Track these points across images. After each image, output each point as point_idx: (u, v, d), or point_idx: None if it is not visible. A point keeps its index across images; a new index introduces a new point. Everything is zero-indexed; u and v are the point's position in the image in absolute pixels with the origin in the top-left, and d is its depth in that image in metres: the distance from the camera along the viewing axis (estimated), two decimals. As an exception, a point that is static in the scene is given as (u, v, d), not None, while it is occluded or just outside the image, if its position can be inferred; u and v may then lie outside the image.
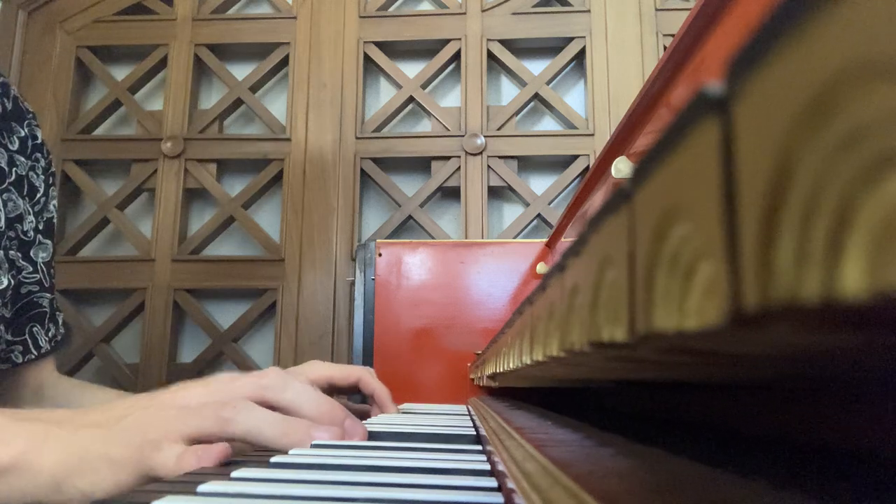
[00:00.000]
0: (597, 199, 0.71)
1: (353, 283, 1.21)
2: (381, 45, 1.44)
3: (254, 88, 1.45)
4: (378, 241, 1.09)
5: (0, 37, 1.44)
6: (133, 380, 1.32)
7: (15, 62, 1.44)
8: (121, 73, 1.48)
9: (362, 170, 1.38)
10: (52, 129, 1.42)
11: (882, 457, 0.14)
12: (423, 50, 1.44)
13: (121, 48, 1.49)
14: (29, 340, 0.72)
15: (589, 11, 1.40)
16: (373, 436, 0.44)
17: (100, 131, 1.48)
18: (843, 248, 0.06)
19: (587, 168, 1.34)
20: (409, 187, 1.39)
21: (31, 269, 0.72)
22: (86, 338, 1.34)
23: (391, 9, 1.48)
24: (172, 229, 1.37)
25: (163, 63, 1.46)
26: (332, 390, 0.62)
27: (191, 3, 1.47)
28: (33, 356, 0.72)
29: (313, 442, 0.40)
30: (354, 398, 0.79)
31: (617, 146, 0.60)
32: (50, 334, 0.74)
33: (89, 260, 1.39)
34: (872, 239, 0.06)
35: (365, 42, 1.43)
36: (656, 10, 1.38)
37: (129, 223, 1.40)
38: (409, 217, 1.36)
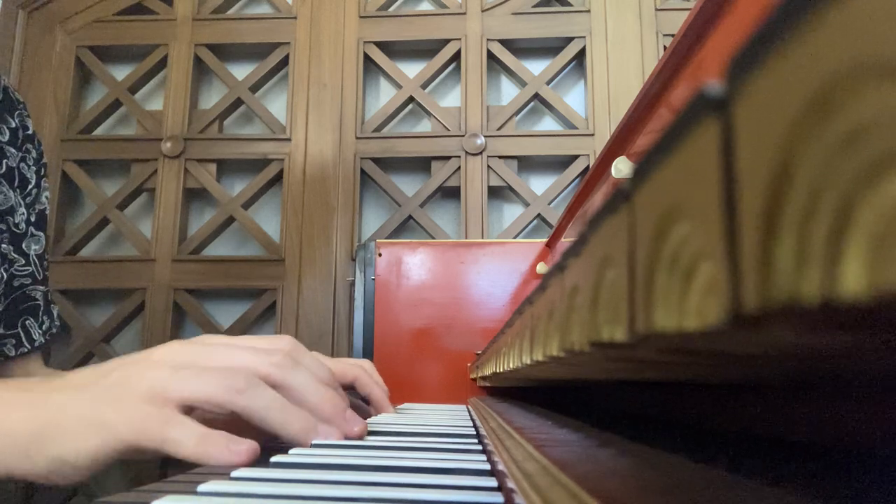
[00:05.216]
0: (597, 199, 0.71)
1: (353, 283, 1.21)
2: (381, 45, 1.44)
3: (254, 88, 1.45)
4: (378, 241, 1.09)
5: (0, 37, 1.44)
6: (133, 380, 1.31)
7: (15, 62, 1.44)
8: (121, 73, 1.48)
9: (362, 170, 1.38)
10: (52, 129, 1.42)
11: (882, 457, 0.14)
12: (423, 50, 1.44)
13: (121, 48, 1.49)
14: (22, 333, 0.71)
15: (589, 11, 1.40)
16: (373, 435, 0.44)
17: (100, 131, 1.48)
18: (843, 248, 0.06)
19: (587, 168, 1.34)
20: (409, 187, 1.39)
21: (23, 261, 0.71)
22: (86, 338, 1.34)
23: (391, 9, 1.48)
24: (172, 229, 1.37)
25: (163, 63, 1.46)
26: None
27: (191, 3, 1.47)
28: (26, 349, 0.71)
29: (314, 441, 0.39)
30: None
31: (617, 146, 0.60)
32: (44, 327, 0.73)
33: (89, 260, 1.39)
34: (872, 239, 0.06)
35: (365, 42, 1.43)
36: (656, 9, 1.38)
37: (129, 223, 1.40)
38: (409, 217, 1.36)
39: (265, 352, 0.41)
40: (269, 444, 0.41)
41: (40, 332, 0.73)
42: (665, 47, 1.36)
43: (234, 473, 0.29)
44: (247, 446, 0.34)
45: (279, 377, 0.40)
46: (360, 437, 0.42)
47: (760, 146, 0.08)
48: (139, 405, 0.35)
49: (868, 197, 0.06)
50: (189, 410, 0.37)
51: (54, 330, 0.75)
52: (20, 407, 0.35)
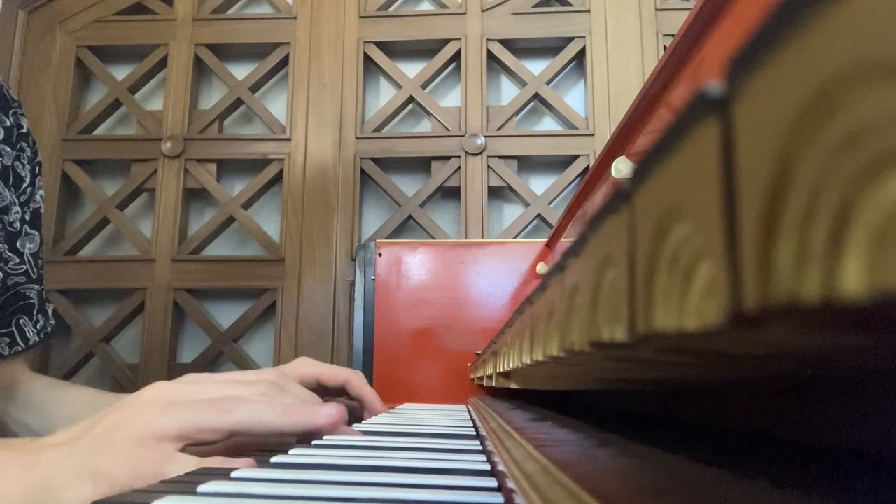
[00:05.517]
0: (597, 199, 0.71)
1: (353, 283, 1.21)
2: (381, 45, 1.44)
3: (254, 88, 1.45)
4: (378, 241, 1.09)
5: (0, 37, 1.44)
6: (133, 380, 1.32)
7: (15, 62, 1.44)
8: (121, 73, 1.48)
9: (362, 170, 1.38)
10: (52, 129, 1.42)
11: (882, 457, 0.14)
12: (423, 50, 1.44)
13: (121, 48, 1.49)
14: (16, 332, 0.70)
15: (589, 11, 1.40)
16: (373, 435, 0.44)
17: (100, 131, 1.48)
18: (843, 248, 0.06)
19: (587, 168, 1.34)
20: (409, 187, 1.39)
21: (17, 260, 0.70)
22: (86, 338, 1.34)
23: (391, 9, 1.48)
24: (172, 229, 1.37)
25: (163, 63, 1.46)
26: (320, 390, 0.62)
27: (191, 3, 1.47)
28: (21, 348, 0.70)
29: (318, 423, 0.39)
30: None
31: (617, 146, 0.60)
32: (38, 326, 0.73)
33: (89, 260, 1.39)
34: (872, 239, 0.06)
35: (365, 42, 1.43)
36: (656, 10, 1.38)
37: (129, 223, 1.40)
38: (409, 217, 1.36)
39: (251, 382, 0.41)
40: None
41: (34, 330, 0.72)
42: (665, 47, 1.36)
43: (234, 474, 0.29)
44: (243, 463, 0.34)
45: (267, 398, 0.40)
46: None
47: (760, 146, 0.08)
48: (132, 449, 0.35)
49: (868, 197, 0.06)
50: (186, 445, 0.36)
51: (49, 329, 0.75)
52: (12, 468, 0.35)
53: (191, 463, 0.35)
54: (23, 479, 0.34)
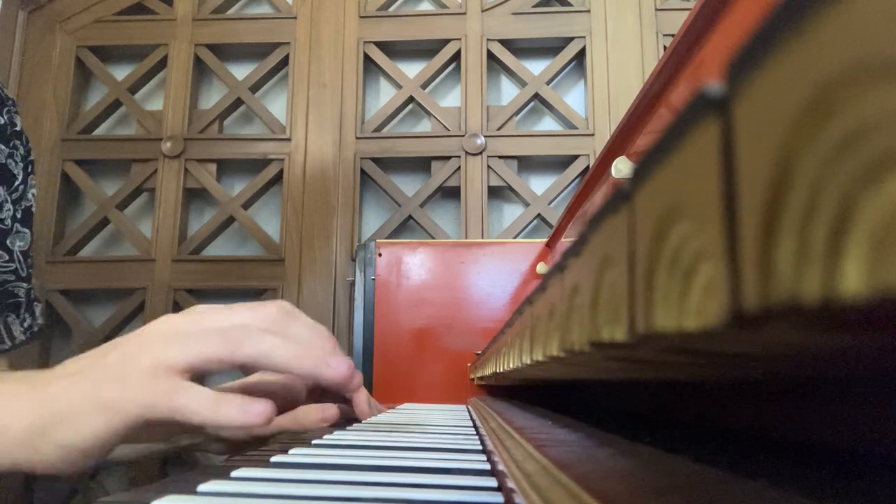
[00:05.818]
0: (597, 199, 0.71)
1: (353, 283, 1.21)
2: (381, 45, 1.44)
3: (254, 88, 1.45)
4: (378, 241, 1.09)
5: (0, 37, 1.44)
6: (133, 380, 1.31)
7: (15, 62, 1.44)
8: (121, 73, 1.48)
9: (362, 170, 1.38)
10: (52, 129, 1.42)
11: (882, 457, 0.14)
12: (423, 50, 1.44)
13: (121, 48, 1.49)
14: (3, 330, 0.70)
15: (589, 11, 1.40)
16: (373, 435, 0.44)
17: (100, 131, 1.48)
18: (843, 249, 0.06)
19: (587, 168, 1.34)
20: (409, 187, 1.39)
21: (6, 258, 0.70)
22: (86, 338, 1.34)
23: (391, 9, 1.48)
24: (172, 229, 1.37)
25: (163, 63, 1.46)
26: (316, 386, 0.62)
27: (191, 3, 1.47)
28: (7, 346, 0.70)
29: (325, 374, 0.38)
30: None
31: (617, 146, 0.60)
32: (26, 325, 0.73)
33: (89, 260, 1.39)
34: (872, 239, 0.06)
35: (365, 42, 1.43)
36: (656, 10, 1.38)
37: (129, 223, 1.40)
38: (409, 217, 1.36)
39: (258, 308, 0.40)
40: (270, 447, 0.41)
41: (21, 329, 0.72)
42: (665, 47, 1.36)
43: (234, 473, 0.29)
44: (262, 406, 0.33)
45: (277, 330, 0.39)
46: (357, 389, 0.42)
47: (760, 146, 0.08)
48: (142, 379, 0.35)
49: (868, 197, 0.06)
50: (197, 377, 0.36)
51: (36, 328, 0.74)
52: (21, 398, 0.35)
53: (203, 393, 0.34)
54: (33, 410, 0.34)
